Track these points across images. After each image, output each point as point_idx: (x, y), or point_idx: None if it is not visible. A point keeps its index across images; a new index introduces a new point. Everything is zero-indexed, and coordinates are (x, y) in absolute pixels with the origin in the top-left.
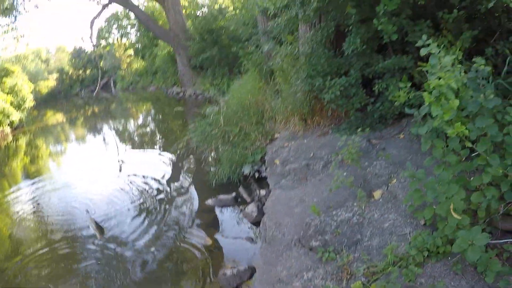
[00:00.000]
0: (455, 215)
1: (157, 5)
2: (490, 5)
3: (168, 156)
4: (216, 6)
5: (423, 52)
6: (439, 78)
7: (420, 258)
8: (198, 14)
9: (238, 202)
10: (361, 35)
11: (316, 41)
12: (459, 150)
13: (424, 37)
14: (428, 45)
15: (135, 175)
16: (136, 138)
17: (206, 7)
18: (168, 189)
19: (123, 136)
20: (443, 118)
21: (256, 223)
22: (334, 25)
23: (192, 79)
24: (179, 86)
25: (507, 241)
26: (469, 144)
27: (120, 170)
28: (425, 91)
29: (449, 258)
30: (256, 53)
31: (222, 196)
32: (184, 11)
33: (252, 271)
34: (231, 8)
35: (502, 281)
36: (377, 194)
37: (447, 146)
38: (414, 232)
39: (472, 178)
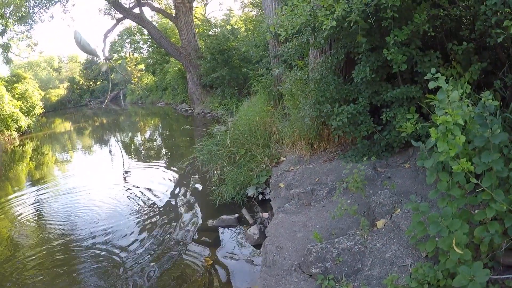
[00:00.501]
0: (457, 250)
1: (170, 22)
2: (499, 40)
3: (173, 172)
4: (229, 27)
5: (431, 85)
6: (446, 114)
7: None
8: (210, 33)
9: (241, 223)
10: (371, 63)
11: (325, 68)
12: (464, 184)
13: (433, 70)
14: (437, 78)
15: (139, 188)
16: (142, 152)
17: (218, 27)
18: (171, 205)
19: (130, 148)
20: (449, 154)
21: (258, 245)
22: (344, 52)
23: (201, 97)
24: (188, 104)
25: (509, 277)
26: (474, 180)
27: (125, 182)
28: (433, 124)
29: None
30: (266, 76)
31: (224, 216)
32: (196, 30)
33: None
34: (243, 29)
35: None
36: (380, 223)
37: (452, 179)
38: (415, 264)
39: (476, 212)
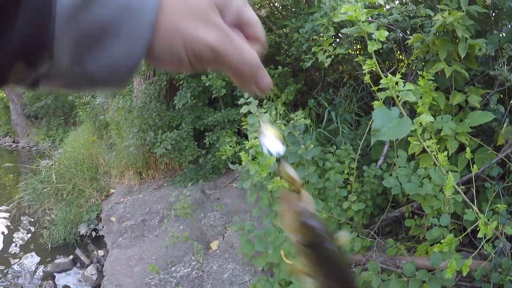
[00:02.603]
0: (287, 261)
1: None
2: (308, 64)
3: None
4: None
5: (243, 110)
6: (255, 138)
7: None
8: None
9: (77, 264)
10: (192, 89)
11: (149, 94)
12: None
13: (246, 94)
14: (250, 103)
15: None
16: None
17: None
18: (1, 255)
19: None
20: (261, 174)
21: (97, 286)
22: (167, 79)
23: (26, 129)
24: (12, 137)
25: None
26: None
27: None
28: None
29: None
30: (92, 104)
31: (58, 261)
32: None
33: None
34: None
35: None
36: (214, 245)
37: (272, 196)
38: (253, 280)
39: None
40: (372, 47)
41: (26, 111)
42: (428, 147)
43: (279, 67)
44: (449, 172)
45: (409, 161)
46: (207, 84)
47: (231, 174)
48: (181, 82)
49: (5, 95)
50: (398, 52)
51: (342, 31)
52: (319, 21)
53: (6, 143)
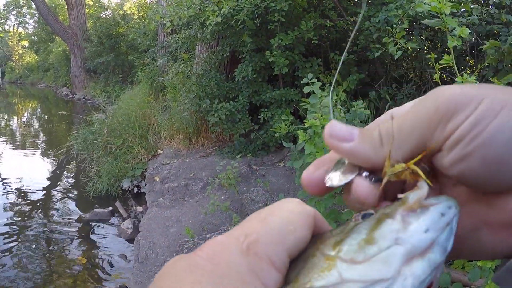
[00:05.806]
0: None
1: None
2: (377, 54)
3: (48, 161)
4: (121, 12)
5: (306, 89)
6: (316, 118)
7: None
8: (101, 16)
9: (115, 216)
10: (254, 63)
11: (210, 63)
12: None
13: (310, 75)
14: (313, 83)
15: (11, 177)
16: (17, 137)
17: (110, 10)
18: (44, 197)
19: (5, 132)
20: (316, 156)
21: (131, 240)
22: (230, 50)
23: (84, 82)
24: (70, 88)
25: None
26: None
27: None
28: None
29: None
30: (151, 66)
31: (98, 210)
32: (87, 11)
33: None
34: (135, 16)
35: None
36: None
37: None
38: None
39: (344, 211)
40: (452, 42)
41: (86, 65)
42: None
43: (345, 53)
44: None
45: None
46: (270, 60)
47: (280, 153)
48: (244, 55)
49: (67, 48)
50: (467, 58)
51: (423, 21)
52: (393, 12)
53: (63, 93)
